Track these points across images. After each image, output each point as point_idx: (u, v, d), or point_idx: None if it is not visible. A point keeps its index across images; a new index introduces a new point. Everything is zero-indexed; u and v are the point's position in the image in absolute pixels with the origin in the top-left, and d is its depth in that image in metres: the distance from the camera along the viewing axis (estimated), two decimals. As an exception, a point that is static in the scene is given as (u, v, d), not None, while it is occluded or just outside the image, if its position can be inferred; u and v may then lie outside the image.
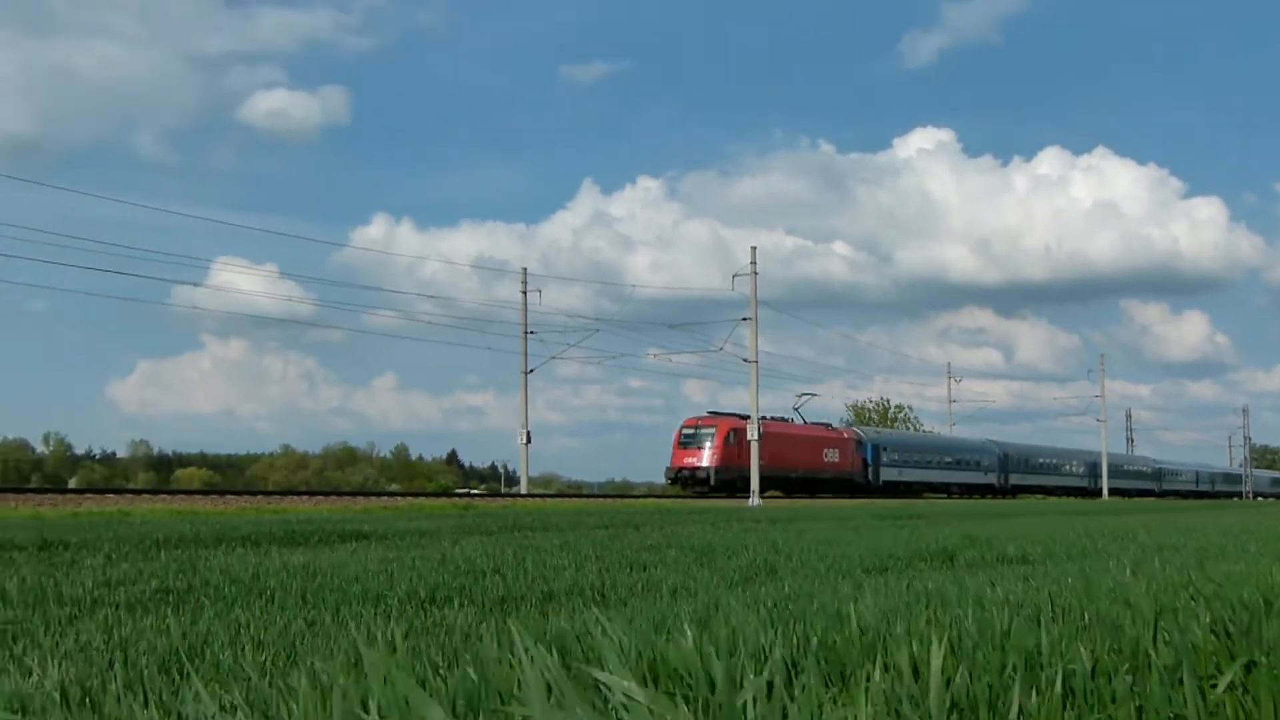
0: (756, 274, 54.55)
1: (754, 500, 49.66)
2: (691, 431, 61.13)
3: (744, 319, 54.99)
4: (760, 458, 54.83)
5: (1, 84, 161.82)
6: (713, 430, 60.26)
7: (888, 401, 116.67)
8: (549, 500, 41.60)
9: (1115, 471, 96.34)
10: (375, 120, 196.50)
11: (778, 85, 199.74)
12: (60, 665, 3.32)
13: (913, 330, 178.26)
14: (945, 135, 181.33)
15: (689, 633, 2.10)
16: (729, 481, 58.32)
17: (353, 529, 14.21)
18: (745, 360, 55.19)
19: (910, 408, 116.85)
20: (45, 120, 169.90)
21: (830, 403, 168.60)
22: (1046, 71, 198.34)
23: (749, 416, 56.34)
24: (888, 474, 71.60)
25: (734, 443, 58.64)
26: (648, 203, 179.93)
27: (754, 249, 55.22)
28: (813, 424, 70.61)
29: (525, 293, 58.07)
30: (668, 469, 62.09)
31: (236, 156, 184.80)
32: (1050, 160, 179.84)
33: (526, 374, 57.18)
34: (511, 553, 10.05)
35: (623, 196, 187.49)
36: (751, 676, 1.97)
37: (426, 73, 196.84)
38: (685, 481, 60.15)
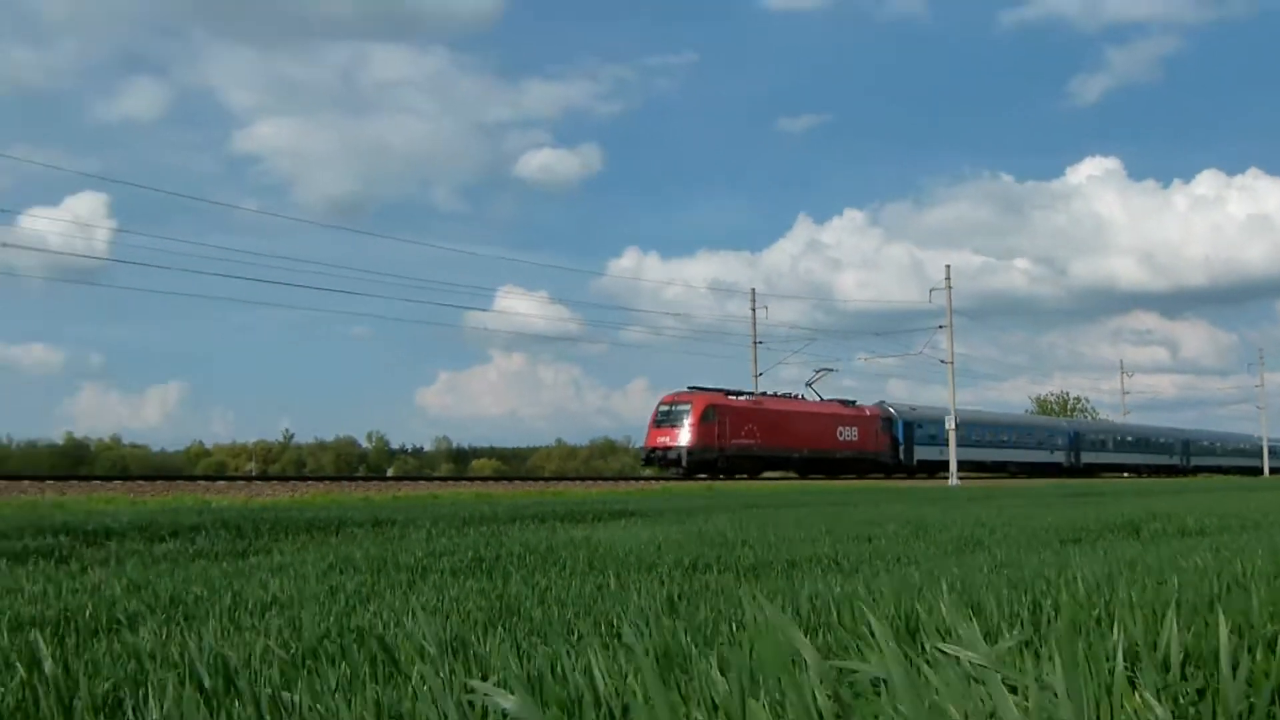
0: (951, 287, 53.57)
1: (953, 480, 48.51)
2: (667, 409, 47.57)
3: (940, 326, 53.76)
4: (753, 437, 47.26)
5: (332, 157, 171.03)
6: (688, 407, 46.74)
7: (1067, 394, 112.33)
8: (776, 483, 41.43)
9: (1200, 450, 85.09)
10: (624, 170, 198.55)
11: (963, 126, 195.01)
12: (419, 619, 3.45)
13: (1087, 332, 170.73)
14: (1111, 163, 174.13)
15: (946, 595, 2.07)
16: (707, 463, 45.87)
17: (619, 508, 14.32)
18: (942, 361, 53.92)
19: (1087, 399, 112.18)
20: (365, 183, 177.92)
21: (1012, 394, 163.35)
22: (1201, 103, 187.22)
23: (738, 393, 49.86)
24: (925, 453, 57.13)
25: (711, 420, 46.48)
26: (853, 230, 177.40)
27: (948, 267, 54.06)
28: (829, 400, 56.24)
29: (754, 309, 58.12)
30: (641, 449, 49.60)
31: (514, 204, 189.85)
32: (1207, 181, 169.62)
33: (757, 377, 56.97)
34: (755, 527, 9.98)
35: (832, 226, 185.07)
36: (1007, 635, 1.94)
37: (666, 129, 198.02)
38: (658, 463, 47.13)
